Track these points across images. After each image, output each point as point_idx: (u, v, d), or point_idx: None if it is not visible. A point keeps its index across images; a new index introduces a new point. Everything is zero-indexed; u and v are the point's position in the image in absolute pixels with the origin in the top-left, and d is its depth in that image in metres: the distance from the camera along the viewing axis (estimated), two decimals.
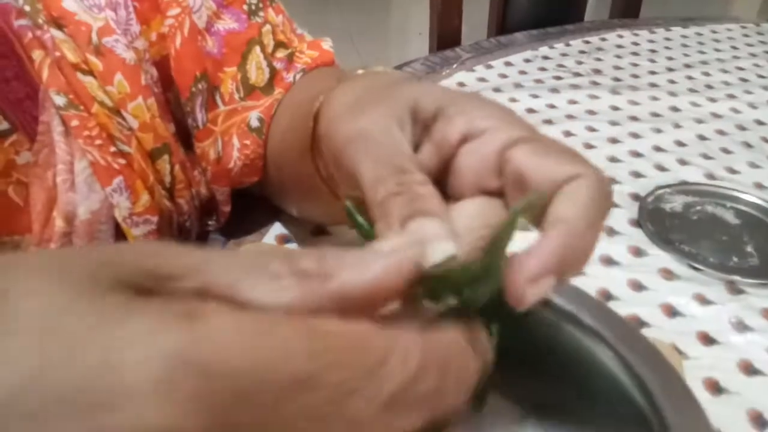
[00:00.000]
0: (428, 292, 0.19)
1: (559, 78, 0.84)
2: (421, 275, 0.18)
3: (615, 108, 0.77)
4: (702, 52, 0.94)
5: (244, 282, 0.16)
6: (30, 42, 0.38)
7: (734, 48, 0.96)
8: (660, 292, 0.49)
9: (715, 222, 0.58)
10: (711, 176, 0.65)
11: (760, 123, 0.76)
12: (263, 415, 0.14)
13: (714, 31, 1.02)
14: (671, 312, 0.48)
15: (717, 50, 0.95)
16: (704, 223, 0.57)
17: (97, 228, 0.40)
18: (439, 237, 0.22)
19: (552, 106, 0.77)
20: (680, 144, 0.70)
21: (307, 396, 0.14)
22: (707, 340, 0.46)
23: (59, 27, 0.39)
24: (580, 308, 0.28)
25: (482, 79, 0.83)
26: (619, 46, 0.95)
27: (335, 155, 0.27)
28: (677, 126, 0.74)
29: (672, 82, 0.85)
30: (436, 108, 0.26)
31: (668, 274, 0.51)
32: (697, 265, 0.52)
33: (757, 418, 0.40)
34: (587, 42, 0.96)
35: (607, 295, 0.49)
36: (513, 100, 0.78)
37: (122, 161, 0.40)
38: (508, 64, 0.87)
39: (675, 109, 0.78)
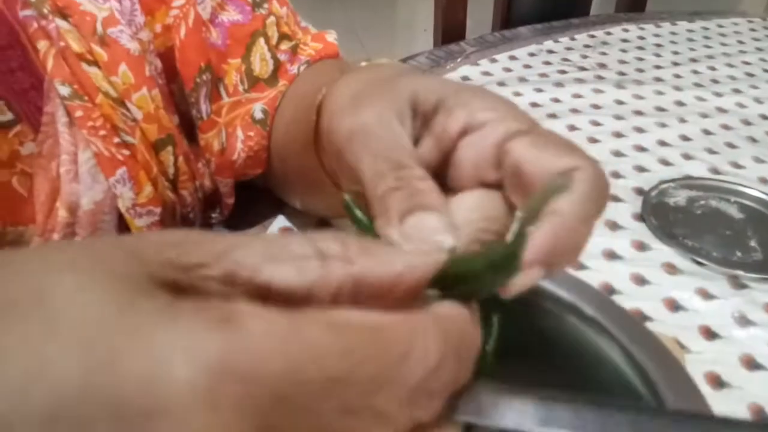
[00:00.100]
0: (440, 286, 0.19)
1: (563, 72, 0.84)
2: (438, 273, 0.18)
3: (620, 102, 0.77)
4: (708, 47, 0.94)
5: (267, 265, 0.16)
6: (35, 32, 0.38)
7: (740, 42, 0.96)
8: (663, 286, 0.49)
9: (719, 216, 0.58)
10: (715, 171, 0.65)
11: (765, 118, 0.75)
12: (301, 414, 0.15)
13: (720, 26, 1.01)
14: (674, 306, 0.48)
15: (723, 45, 0.95)
16: (708, 218, 0.57)
17: (100, 219, 0.40)
18: (438, 231, 0.22)
19: (556, 100, 0.77)
20: (685, 138, 0.70)
21: (339, 393, 0.15)
22: (709, 334, 0.45)
23: (64, 17, 0.39)
24: (583, 300, 0.28)
25: (486, 73, 0.83)
26: (625, 41, 0.95)
27: (337, 150, 0.27)
28: (682, 120, 0.74)
29: (677, 76, 0.85)
30: (436, 101, 0.26)
31: (671, 269, 0.51)
32: (700, 260, 0.51)
33: (758, 413, 0.40)
34: (592, 36, 0.95)
35: (610, 289, 0.49)
36: (517, 94, 0.78)
37: (126, 152, 0.40)
38: (512, 58, 0.87)
39: (680, 103, 0.78)
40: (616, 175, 0.63)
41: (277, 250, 0.17)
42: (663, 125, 0.72)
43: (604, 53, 0.90)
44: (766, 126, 0.74)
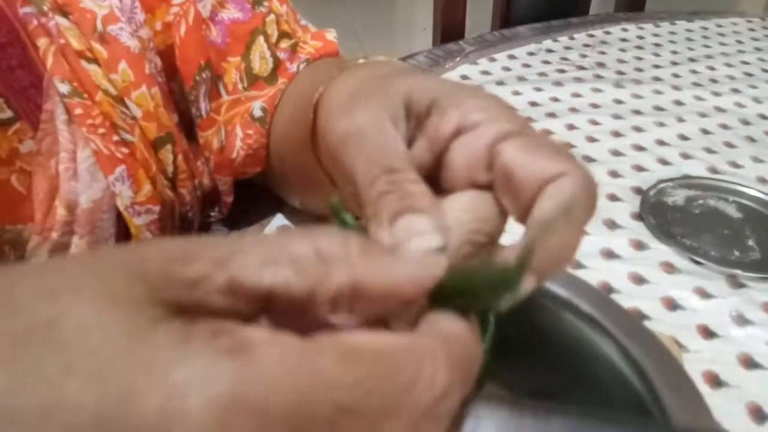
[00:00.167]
0: (438, 297, 0.19)
1: (562, 71, 0.84)
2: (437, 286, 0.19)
3: (618, 101, 0.77)
4: (707, 46, 0.94)
5: (268, 270, 0.17)
6: (35, 29, 0.38)
7: (739, 42, 0.96)
8: (661, 285, 0.50)
9: (717, 216, 0.58)
10: (714, 170, 0.65)
11: (763, 117, 0.76)
12: None
13: (719, 26, 1.01)
14: (672, 305, 0.48)
15: (722, 44, 0.95)
16: (706, 217, 0.57)
17: (98, 217, 0.40)
18: (426, 232, 0.22)
19: (555, 100, 0.77)
20: (683, 138, 0.70)
21: (348, 423, 0.15)
22: (707, 333, 0.46)
23: (64, 14, 0.39)
24: (580, 298, 0.28)
25: (485, 72, 0.83)
26: (624, 40, 0.95)
27: (332, 152, 0.28)
28: (680, 120, 0.74)
29: (676, 75, 0.85)
30: (429, 101, 0.26)
31: (669, 268, 0.51)
32: (698, 259, 0.52)
33: (756, 412, 0.40)
34: (591, 35, 0.95)
35: (608, 288, 0.49)
36: (516, 93, 0.78)
37: (125, 150, 0.40)
38: (511, 57, 0.87)
39: (679, 102, 0.78)
40: (615, 174, 0.63)
41: (276, 253, 0.17)
42: (661, 124, 0.73)
43: (603, 52, 0.90)
44: (764, 125, 0.74)
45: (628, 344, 0.26)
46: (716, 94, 0.80)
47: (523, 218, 0.24)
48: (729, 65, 0.88)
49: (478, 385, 0.19)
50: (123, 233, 0.42)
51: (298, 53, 0.51)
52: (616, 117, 0.73)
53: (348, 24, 2.76)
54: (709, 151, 0.68)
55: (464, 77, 0.81)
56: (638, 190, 0.60)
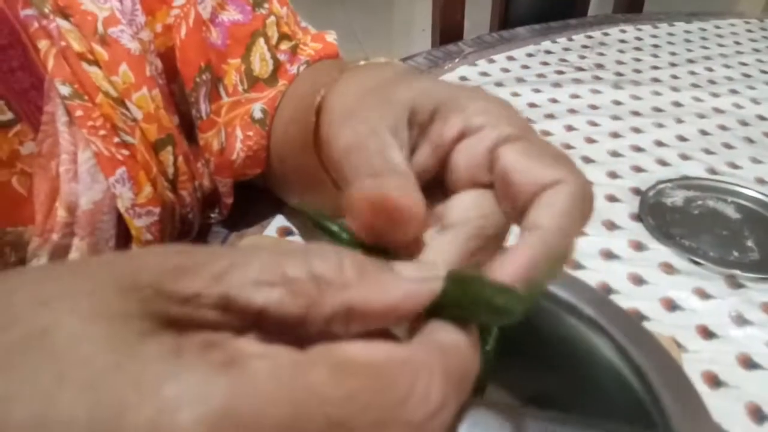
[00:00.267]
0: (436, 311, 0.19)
1: (561, 72, 0.84)
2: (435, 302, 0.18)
3: (617, 103, 0.77)
4: (705, 48, 0.94)
5: (261, 290, 0.17)
6: (36, 31, 0.38)
7: (737, 43, 0.96)
8: (660, 286, 0.50)
9: (716, 217, 0.58)
10: (712, 171, 0.65)
11: (762, 118, 0.76)
12: None
13: (717, 27, 1.02)
14: (671, 306, 0.48)
15: (720, 45, 0.95)
16: (705, 218, 0.58)
17: (99, 219, 0.40)
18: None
19: (554, 101, 0.77)
20: (682, 139, 0.70)
21: None
22: (707, 333, 0.46)
23: (65, 16, 0.39)
24: (580, 299, 0.28)
25: (484, 74, 0.83)
26: (622, 41, 0.95)
27: (334, 164, 0.28)
28: (679, 121, 0.74)
29: (675, 77, 0.85)
30: (433, 108, 0.27)
31: (668, 268, 0.51)
32: (697, 260, 0.52)
33: (755, 412, 0.40)
34: (590, 37, 0.95)
35: (608, 289, 0.49)
36: (515, 94, 0.78)
37: (126, 152, 0.40)
38: (510, 58, 0.87)
39: (677, 104, 0.78)
40: (614, 175, 0.63)
41: (270, 272, 0.17)
42: (660, 126, 0.73)
43: (601, 54, 0.90)
44: (762, 126, 0.74)
45: (627, 345, 0.26)
46: (715, 95, 0.80)
47: (519, 222, 0.24)
48: (727, 66, 0.88)
49: (480, 390, 0.19)
50: (123, 235, 0.42)
51: (299, 55, 0.51)
52: (615, 118, 0.74)
53: (347, 26, 2.76)
54: (708, 152, 0.68)
55: (463, 78, 0.81)
56: (637, 191, 0.60)
